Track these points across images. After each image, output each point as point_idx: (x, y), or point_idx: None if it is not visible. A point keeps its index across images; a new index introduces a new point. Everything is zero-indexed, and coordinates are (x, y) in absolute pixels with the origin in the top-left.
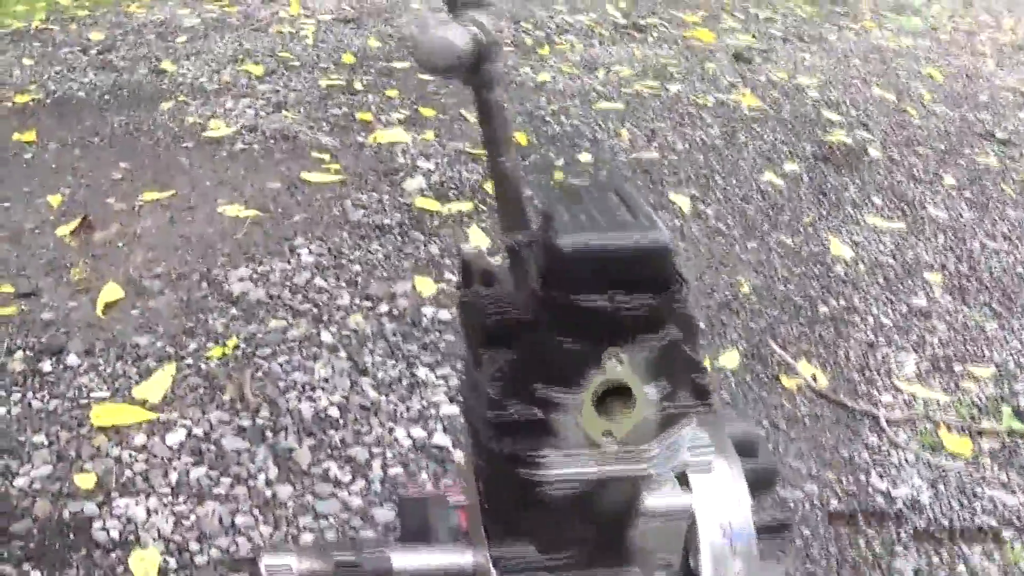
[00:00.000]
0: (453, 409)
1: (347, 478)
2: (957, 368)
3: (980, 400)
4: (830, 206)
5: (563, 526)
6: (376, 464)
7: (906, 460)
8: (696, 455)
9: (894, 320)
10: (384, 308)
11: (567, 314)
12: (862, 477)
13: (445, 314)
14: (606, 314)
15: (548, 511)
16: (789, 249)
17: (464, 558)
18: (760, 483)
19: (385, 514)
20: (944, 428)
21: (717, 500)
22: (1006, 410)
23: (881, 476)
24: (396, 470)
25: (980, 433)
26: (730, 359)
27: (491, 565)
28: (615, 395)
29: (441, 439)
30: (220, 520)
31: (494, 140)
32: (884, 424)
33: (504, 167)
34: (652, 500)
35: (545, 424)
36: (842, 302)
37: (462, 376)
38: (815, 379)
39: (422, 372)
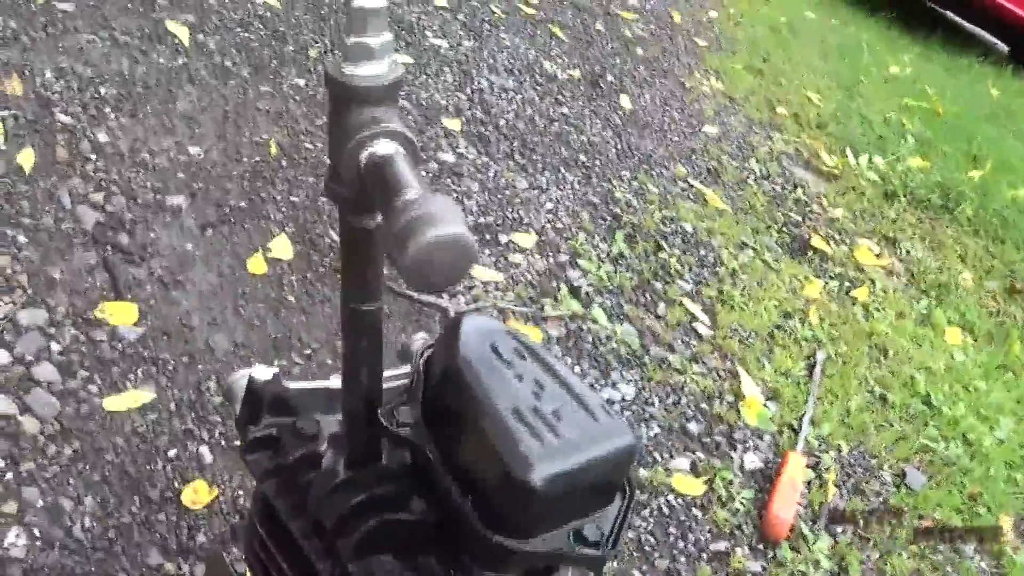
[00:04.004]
0: None
1: None
2: (503, 239)
3: (532, 276)
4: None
5: None
6: None
7: None
8: None
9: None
10: None
11: (513, 557)
12: None
13: None
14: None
15: None
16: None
17: None
18: None
19: None
20: (512, 318)
21: None
22: (563, 289)
23: None
24: None
25: (545, 319)
26: (282, 247)
27: None
28: None
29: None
30: None
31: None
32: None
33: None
34: None
35: None
36: None
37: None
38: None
39: None
